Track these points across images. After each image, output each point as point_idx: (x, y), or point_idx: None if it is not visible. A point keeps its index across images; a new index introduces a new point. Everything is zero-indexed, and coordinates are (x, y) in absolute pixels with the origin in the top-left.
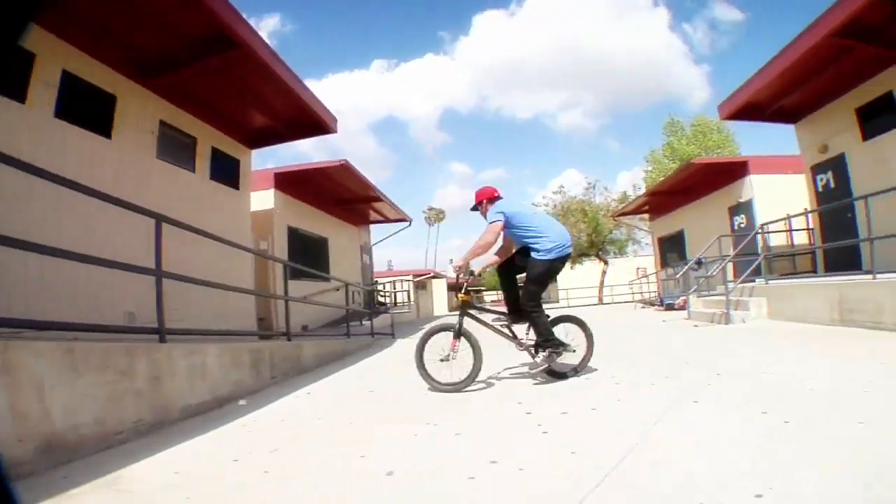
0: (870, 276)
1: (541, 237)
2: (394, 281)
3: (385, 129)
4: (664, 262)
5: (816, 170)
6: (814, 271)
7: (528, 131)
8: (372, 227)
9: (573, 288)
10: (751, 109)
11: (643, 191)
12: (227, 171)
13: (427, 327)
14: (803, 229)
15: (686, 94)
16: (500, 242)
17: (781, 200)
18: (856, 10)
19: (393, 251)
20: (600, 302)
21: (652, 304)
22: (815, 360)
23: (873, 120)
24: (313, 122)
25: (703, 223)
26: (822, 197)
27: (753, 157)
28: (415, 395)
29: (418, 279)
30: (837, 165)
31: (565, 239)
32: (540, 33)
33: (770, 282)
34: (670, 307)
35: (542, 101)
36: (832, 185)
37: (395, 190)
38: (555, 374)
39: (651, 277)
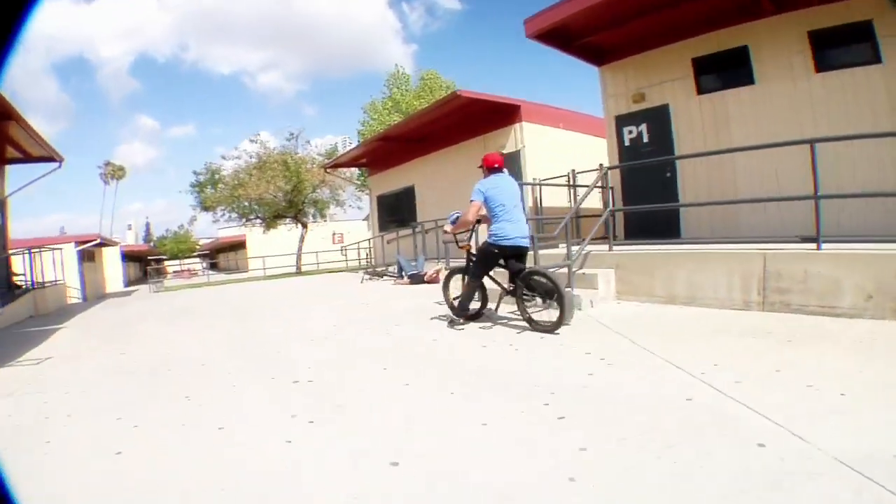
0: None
1: (494, 222)
2: (40, 250)
3: (70, 70)
4: (382, 224)
5: (623, 120)
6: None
7: (224, 89)
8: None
9: (269, 256)
10: (560, 34)
11: (356, 144)
12: None
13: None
14: (599, 187)
15: (387, 67)
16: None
17: (553, 155)
18: None
19: (66, 217)
20: (299, 271)
21: (380, 275)
22: None
23: (715, 73)
24: None
25: (443, 179)
26: (628, 151)
27: (526, 103)
28: None
29: (83, 247)
30: (657, 117)
31: (507, 231)
32: None
33: (616, 248)
34: (417, 279)
35: (244, 58)
36: (645, 138)
37: (73, 146)
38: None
39: (371, 243)
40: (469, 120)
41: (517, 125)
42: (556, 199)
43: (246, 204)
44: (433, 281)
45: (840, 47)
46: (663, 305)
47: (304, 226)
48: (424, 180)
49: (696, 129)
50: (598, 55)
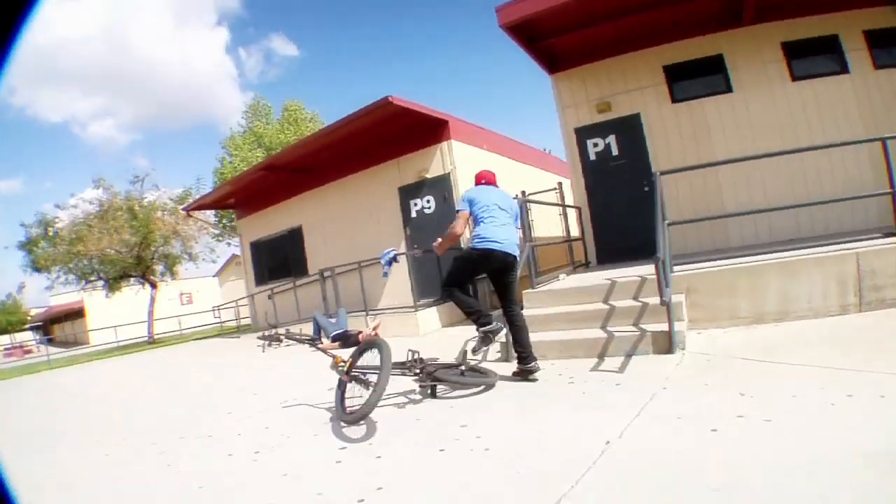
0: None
1: (476, 226)
2: None
3: None
4: (260, 276)
5: (586, 132)
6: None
7: (54, 138)
8: None
9: (120, 325)
10: (528, 28)
11: (215, 184)
12: None
13: None
14: (566, 205)
15: (226, 118)
16: None
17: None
18: None
19: None
20: (153, 340)
21: (279, 339)
22: None
23: (690, 81)
24: None
25: (342, 214)
26: (594, 166)
27: (453, 118)
28: None
29: None
30: (627, 128)
31: (491, 233)
32: (90, 20)
33: (677, 268)
34: (349, 342)
35: (74, 104)
36: (614, 151)
37: None
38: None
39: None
40: (380, 140)
41: (444, 144)
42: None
43: (86, 262)
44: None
45: (812, 58)
46: (754, 327)
47: (154, 286)
48: (317, 219)
49: (672, 138)
50: (552, 61)
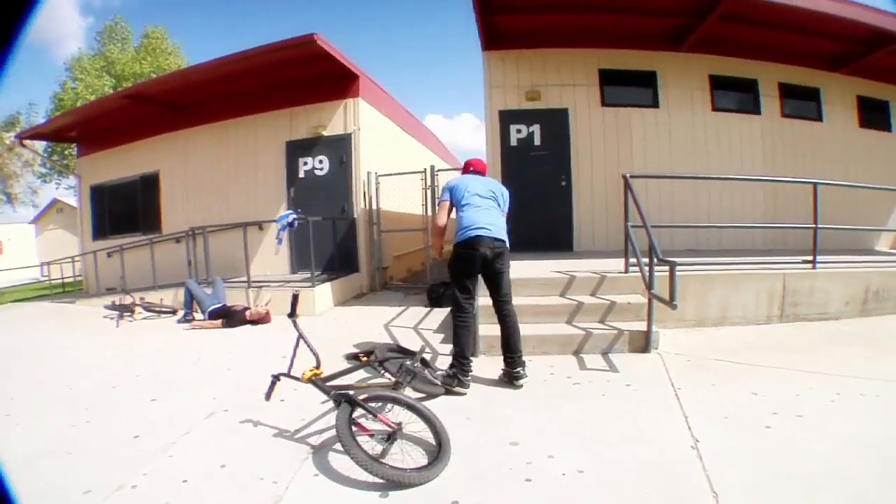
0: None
1: (458, 214)
2: None
3: None
4: (100, 229)
5: (511, 117)
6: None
7: None
8: None
9: None
10: None
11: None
12: None
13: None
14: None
15: (58, 41)
16: None
17: (388, 150)
18: None
19: None
20: None
21: (130, 309)
22: None
23: (622, 89)
24: None
25: (210, 165)
26: (515, 152)
27: (364, 75)
28: None
29: None
30: (553, 120)
31: (474, 219)
32: None
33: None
34: (234, 320)
35: None
36: (537, 140)
37: None
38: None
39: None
40: (273, 85)
41: (350, 101)
42: (397, 203)
43: None
44: (261, 320)
45: (733, 93)
46: (697, 330)
47: None
48: (179, 166)
49: (596, 139)
50: (491, 37)
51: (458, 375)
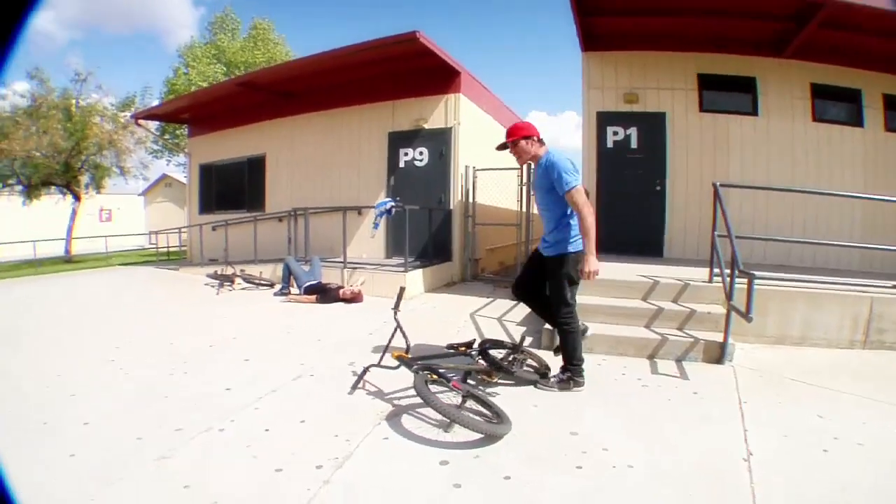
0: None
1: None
2: None
3: None
4: (206, 204)
5: (608, 118)
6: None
7: None
8: None
9: (30, 241)
10: None
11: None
12: None
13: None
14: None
15: (170, 30)
16: None
17: (484, 147)
18: None
19: None
20: (70, 259)
21: (232, 280)
22: None
23: (721, 94)
24: None
25: (315, 151)
26: (610, 154)
27: (465, 71)
28: None
29: None
30: (651, 124)
31: (578, 230)
32: None
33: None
34: (327, 297)
35: None
36: (634, 143)
37: None
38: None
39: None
40: (380, 78)
41: (451, 96)
42: (493, 197)
43: (6, 162)
44: (354, 299)
45: (833, 103)
46: (777, 347)
47: (78, 197)
48: (285, 150)
49: (693, 144)
50: (590, 39)
51: (573, 377)
